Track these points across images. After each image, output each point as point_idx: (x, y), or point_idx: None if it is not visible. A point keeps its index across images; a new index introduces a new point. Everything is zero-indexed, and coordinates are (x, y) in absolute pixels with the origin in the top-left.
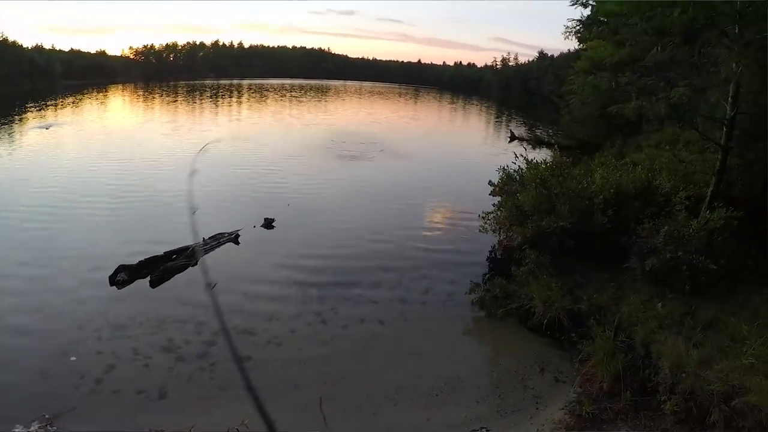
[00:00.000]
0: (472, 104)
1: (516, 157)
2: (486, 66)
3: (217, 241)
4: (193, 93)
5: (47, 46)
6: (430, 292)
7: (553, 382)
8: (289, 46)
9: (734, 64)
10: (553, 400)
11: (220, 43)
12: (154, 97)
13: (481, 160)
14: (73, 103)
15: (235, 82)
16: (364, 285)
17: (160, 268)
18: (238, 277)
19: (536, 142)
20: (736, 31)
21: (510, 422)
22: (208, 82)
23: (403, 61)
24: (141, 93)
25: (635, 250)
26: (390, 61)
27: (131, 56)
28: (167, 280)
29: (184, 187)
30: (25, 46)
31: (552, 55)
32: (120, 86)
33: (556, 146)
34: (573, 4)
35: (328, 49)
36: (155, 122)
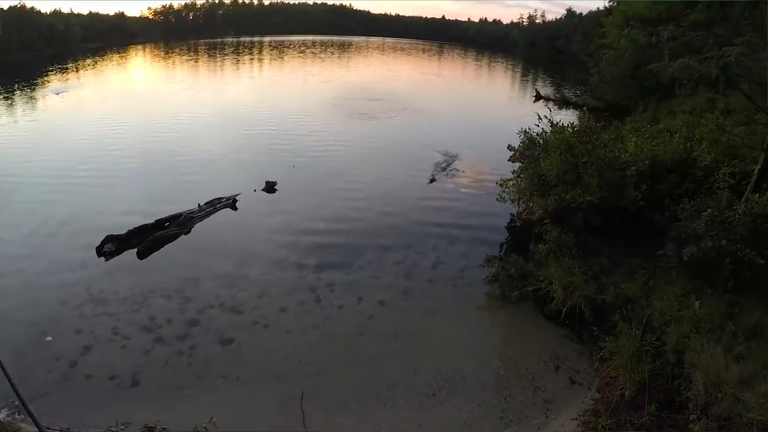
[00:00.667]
0: (497, 62)
1: (539, 118)
2: (512, 23)
3: (213, 206)
4: (213, 51)
5: (65, 10)
6: (439, 267)
7: (568, 384)
8: (310, 2)
9: None
10: (566, 407)
11: (240, 1)
12: (172, 57)
13: (504, 120)
14: (90, 65)
15: (255, 39)
16: (367, 257)
17: (149, 237)
18: (231, 247)
19: (563, 103)
20: None
21: None
22: (228, 39)
23: (426, 17)
24: (160, 53)
25: (672, 235)
26: (413, 17)
27: (150, 17)
28: (156, 250)
29: (189, 151)
30: (43, 11)
31: (581, 13)
32: (139, 47)
33: (584, 108)
34: None
35: (350, 5)
36: (170, 82)
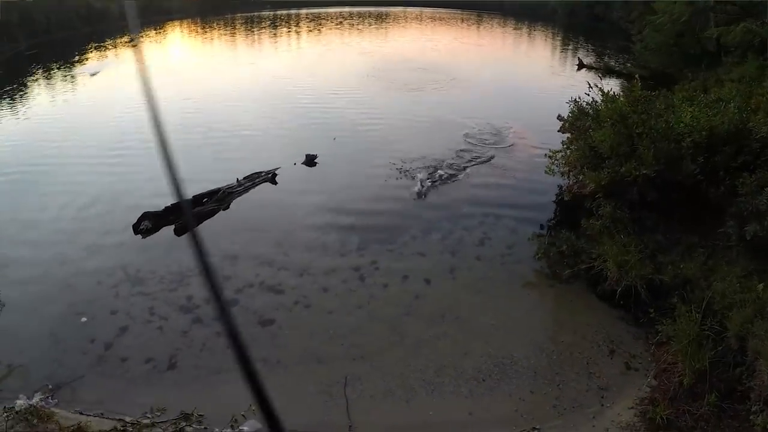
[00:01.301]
0: (537, 30)
1: (590, 87)
2: None
3: (252, 181)
4: (249, 25)
5: None
6: (486, 243)
7: (623, 370)
8: None
9: None
10: (621, 395)
11: None
12: (208, 32)
13: (550, 90)
14: (126, 43)
15: (292, 12)
16: (412, 233)
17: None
18: (270, 224)
19: (606, 71)
20: None
21: (568, 422)
22: (264, 13)
23: None
24: (196, 28)
25: (733, 212)
26: None
27: None
28: (194, 227)
29: (227, 126)
30: None
31: None
32: (176, 23)
33: (636, 77)
34: None
35: None
36: (207, 57)
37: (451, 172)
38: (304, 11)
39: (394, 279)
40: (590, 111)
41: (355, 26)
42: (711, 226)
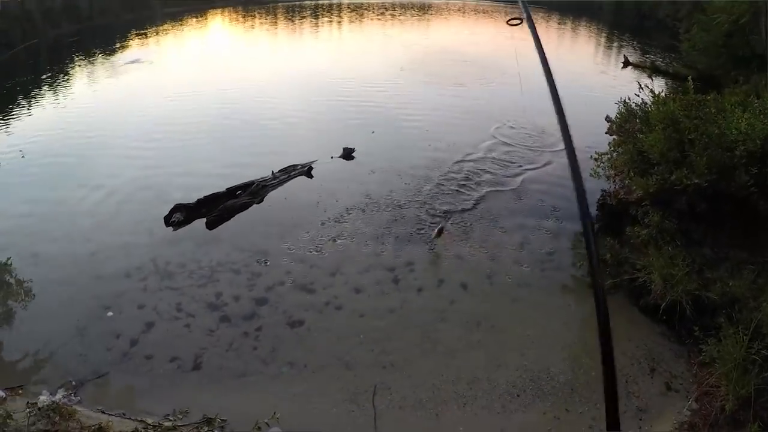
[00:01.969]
0: (581, 26)
1: (640, 88)
2: None
3: (287, 174)
4: (290, 14)
5: None
6: (525, 247)
7: (663, 390)
8: None
9: None
10: (660, 417)
11: None
12: (249, 21)
13: (596, 88)
14: (167, 30)
15: (334, 1)
16: (450, 234)
17: (220, 206)
18: (305, 219)
19: (652, 70)
20: None
21: None
22: (306, 2)
23: None
24: (237, 17)
25: None
26: None
27: None
28: (227, 220)
29: (264, 118)
30: None
31: None
32: (218, 11)
33: (690, 78)
34: None
35: None
36: (247, 47)
37: (491, 171)
38: (346, 0)
39: (430, 282)
40: (639, 113)
41: (396, 17)
42: (761, 242)
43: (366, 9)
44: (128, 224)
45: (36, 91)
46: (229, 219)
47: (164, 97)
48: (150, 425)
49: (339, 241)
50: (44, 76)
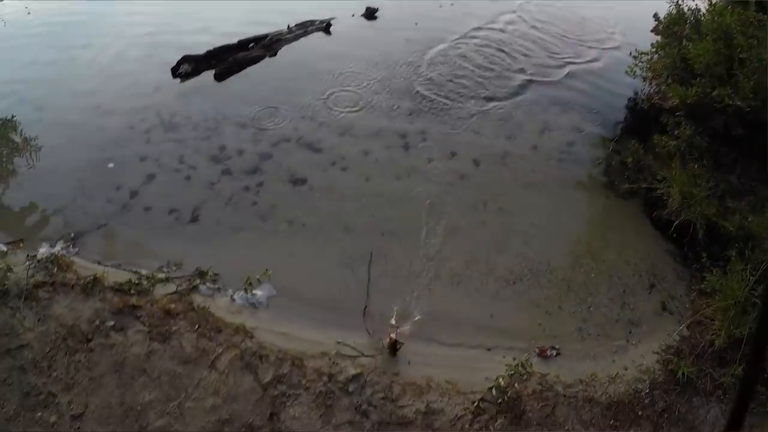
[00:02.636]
0: None
1: None
2: None
3: (304, 29)
4: None
5: None
6: (546, 134)
7: (658, 309)
8: None
9: None
10: (650, 335)
11: None
12: None
13: None
14: None
15: None
16: (469, 108)
17: (230, 58)
18: (318, 75)
19: None
20: None
21: (588, 350)
22: None
23: None
24: None
25: None
26: None
27: None
28: (236, 72)
29: None
30: None
31: None
32: None
33: None
34: None
35: None
36: None
37: (520, 49)
38: None
39: (441, 154)
40: (691, 18)
41: None
42: None
43: None
44: (134, 74)
45: None
46: (240, 71)
47: None
48: (144, 276)
49: (351, 100)
50: None
